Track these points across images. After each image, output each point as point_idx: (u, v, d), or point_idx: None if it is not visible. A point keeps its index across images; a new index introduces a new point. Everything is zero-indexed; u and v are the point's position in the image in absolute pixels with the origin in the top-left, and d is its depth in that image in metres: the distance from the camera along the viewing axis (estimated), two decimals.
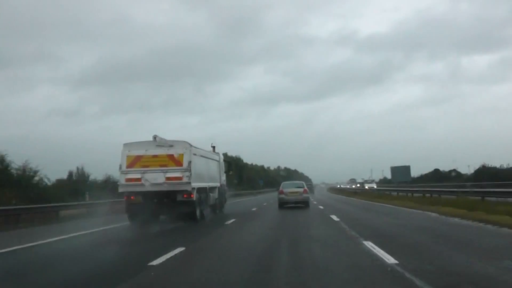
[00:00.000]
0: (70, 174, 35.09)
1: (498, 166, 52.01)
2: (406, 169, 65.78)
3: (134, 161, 16.10)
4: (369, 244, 9.23)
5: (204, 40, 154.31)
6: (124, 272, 7.17)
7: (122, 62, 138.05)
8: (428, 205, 21.78)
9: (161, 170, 15.93)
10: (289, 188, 25.90)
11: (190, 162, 16.00)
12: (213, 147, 22.40)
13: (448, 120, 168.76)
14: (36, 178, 26.35)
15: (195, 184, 16.40)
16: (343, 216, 17.59)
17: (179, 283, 6.43)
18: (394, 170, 67.29)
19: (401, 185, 50.49)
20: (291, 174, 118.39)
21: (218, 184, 21.31)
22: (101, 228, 15.23)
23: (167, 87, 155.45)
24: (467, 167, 65.57)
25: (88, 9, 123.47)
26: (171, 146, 16.22)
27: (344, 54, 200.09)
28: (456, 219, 15.00)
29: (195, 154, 16.83)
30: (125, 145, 16.43)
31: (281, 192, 25.40)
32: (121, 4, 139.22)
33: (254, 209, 26.21)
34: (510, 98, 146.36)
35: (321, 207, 25.81)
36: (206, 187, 18.48)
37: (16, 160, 25.44)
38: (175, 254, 8.71)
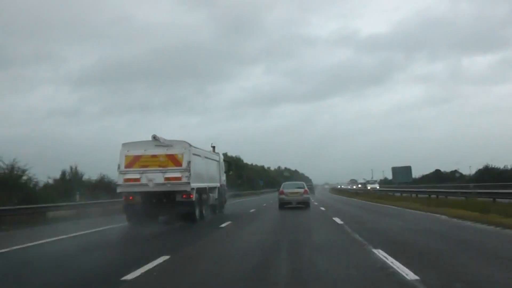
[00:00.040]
0: (63, 174, 33.85)
1: (501, 166, 50.93)
2: (407, 169, 64.86)
3: (133, 161, 15.86)
4: (380, 253, 8.08)
5: (204, 40, 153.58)
6: None
7: (123, 62, 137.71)
8: (434, 206, 21.11)
9: (160, 170, 15.70)
10: (289, 188, 25.87)
11: (189, 162, 15.77)
12: (213, 147, 22.24)
13: (448, 121, 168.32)
14: (25, 178, 25.13)
15: (195, 185, 16.13)
16: (346, 219, 16.59)
17: None
18: (395, 170, 66.35)
19: (402, 186, 49.86)
20: (292, 175, 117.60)
21: (218, 184, 21.07)
22: (84, 232, 14.22)
23: (167, 87, 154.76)
24: (469, 168, 64.91)
25: (88, 9, 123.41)
26: (171, 146, 16.02)
27: (344, 54, 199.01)
28: (469, 223, 14.08)
29: (194, 154, 16.61)
30: (124, 144, 16.23)
31: (282, 193, 25.24)
32: (122, 4, 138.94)
33: (252, 210, 25.23)
34: (510, 98, 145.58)
35: (323, 208, 25.07)
36: (205, 187, 18.20)
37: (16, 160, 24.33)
38: (156, 266, 7.49)
